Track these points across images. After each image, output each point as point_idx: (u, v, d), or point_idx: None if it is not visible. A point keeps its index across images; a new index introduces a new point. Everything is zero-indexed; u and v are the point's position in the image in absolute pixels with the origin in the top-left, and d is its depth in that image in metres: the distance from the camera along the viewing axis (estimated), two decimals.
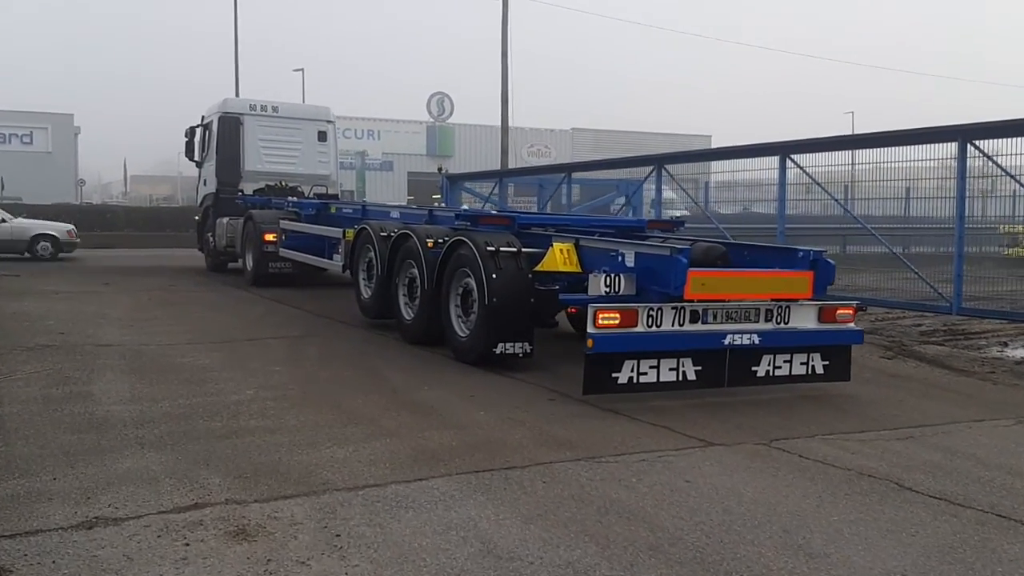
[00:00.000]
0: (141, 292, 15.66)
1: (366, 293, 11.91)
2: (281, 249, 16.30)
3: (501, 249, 8.77)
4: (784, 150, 13.58)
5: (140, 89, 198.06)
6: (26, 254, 23.81)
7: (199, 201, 21.34)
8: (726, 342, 7.50)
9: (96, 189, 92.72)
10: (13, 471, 5.32)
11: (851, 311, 8.09)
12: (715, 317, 7.55)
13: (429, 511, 4.76)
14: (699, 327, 7.47)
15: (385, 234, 11.18)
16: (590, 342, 7.02)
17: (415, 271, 10.30)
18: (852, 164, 14.71)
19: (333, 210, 15.46)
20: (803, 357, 7.92)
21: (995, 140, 11.42)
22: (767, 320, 7.74)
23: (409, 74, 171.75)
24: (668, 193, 21.04)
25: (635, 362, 7.24)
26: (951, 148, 13.89)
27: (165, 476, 5.28)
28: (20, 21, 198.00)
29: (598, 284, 7.64)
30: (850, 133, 13.08)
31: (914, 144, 12.19)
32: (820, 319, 7.95)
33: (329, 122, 20.69)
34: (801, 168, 13.62)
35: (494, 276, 8.66)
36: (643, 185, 19.94)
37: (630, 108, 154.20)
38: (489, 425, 6.64)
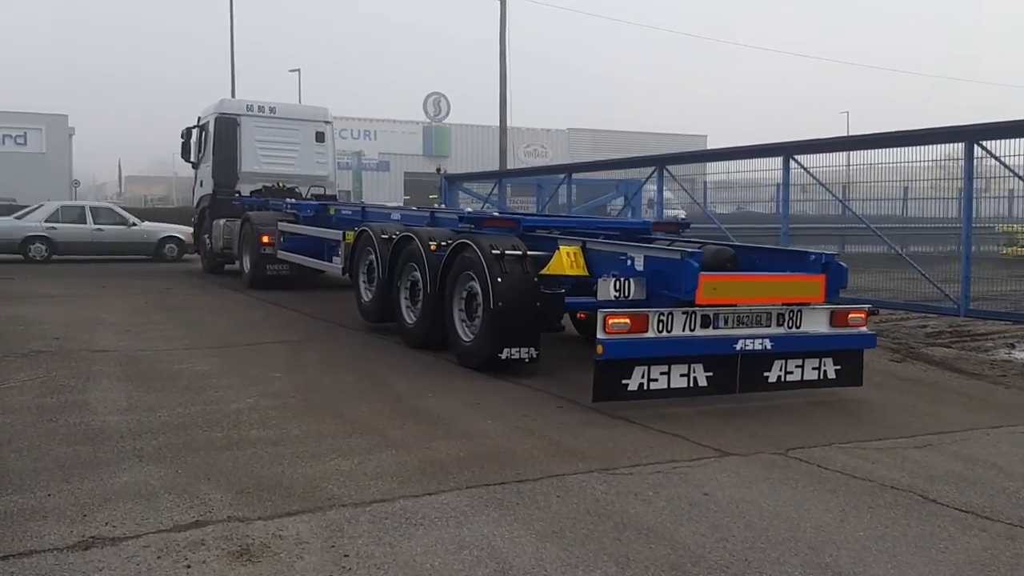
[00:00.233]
0: (137, 295, 15.48)
1: (366, 296, 11.73)
2: (279, 251, 16.12)
3: (506, 252, 8.60)
4: (788, 151, 13.41)
5: (135, 90, 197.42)
6: (148, 256, 24.38)
7: (195, 203, 21.15)
8: (738, 347, 7.32)
9: (91, 190, 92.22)
10: (6, 486, 5.13)
11: (863, 315, 7.92)
12: (726, 322, 7.37)
13: (440, 528, 4.58)
14: (710, 332, 7.30)
15: (386, 236, 11.00)
16: (600, 348, 6.85)
17: (417, 274, 10.13)
18: (848, 165, 14.59)
19: (332, 212, 15.28)
20: (815, 362, 7.75)
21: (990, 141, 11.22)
22: (779, 324, 7.57)
23: (405, 75, 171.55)
24: (665, 193, 20.90)
25: (645, 368, 7.07)
26: (947, 149, 13.83)
27: (164, 491, 5.09)
28: (14, 21, 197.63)
29: (607, 288, 7.47)
30: (856, 134, 12.86)
31: (920, 145, 12.05)
32: (832, 323, 7.78)
33: (327, 123, 20.52)
34: (805, 169, 13.46)
35: (499, 280, 8.48)
36: (641, 185, 19.85)
37: (626, 108, 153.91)
38: (497, 434, 6.46)
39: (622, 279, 7.51)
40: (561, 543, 4.40)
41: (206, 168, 19.92)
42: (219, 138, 19.20)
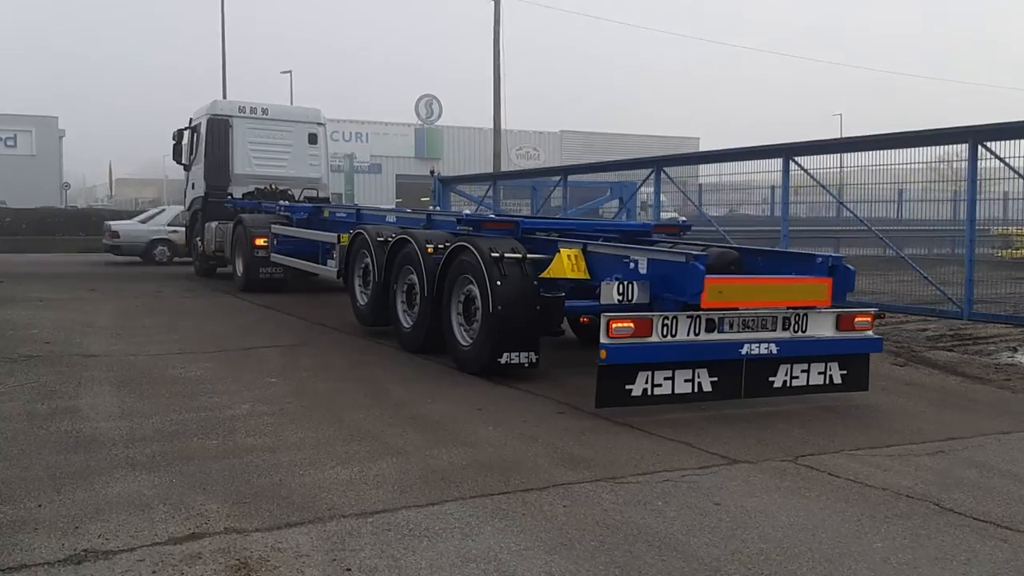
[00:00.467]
0: (129, 298, 15.27)
1: (362, 300, 11.58)
2: (272, 254, 15.94)
3: (506, 255, 8.45)
4: (788, 152, 13.30)
5: (125, 92, 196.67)
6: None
7: (187, 205, 20.96)
8: (743, 352, 7.18)
9: (81, 192, 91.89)
10: None
11: (870, 318, 7.79)
12: (731, 326, 7.24)
13: (445, 541, 4.43)
14: (715, 336, 7.16)
15: (382, 239, 10.85)
16: (603, 353, 6.70)
17: (414, 277, 9.97)
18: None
19: (326, 214, 15.13)
20: (820, 366, 7.62)
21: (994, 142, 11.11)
22: (784, 328, 7.43)
23: (397, 77, 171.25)
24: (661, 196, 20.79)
25: (649, 373, 6.93)
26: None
27: (159, 502, 4.93)
28: (4, 22, 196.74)
29: (611, 292, 7.32)
30: (857, 135, 12.72)
31: (923, 146, 11.97)
32: (838, 327, 7.65)
33: (320, 124, 20.35)
34: (805, 170, 13.36)
35: (498, 283, 8.33)
36: (638, 187, 19.72)
37: (617, 111, 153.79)
38: (500, 442, 6.31)
39: (625, 282, 7.36)
40: (571, 556, 4.26)
41: (198, 170, 19.73)
42: (211, 140, 19.01)
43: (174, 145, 20.81)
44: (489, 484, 5.32)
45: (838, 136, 14.09)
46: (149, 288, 17.17)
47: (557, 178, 20.77)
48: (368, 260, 11.25)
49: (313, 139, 20.08)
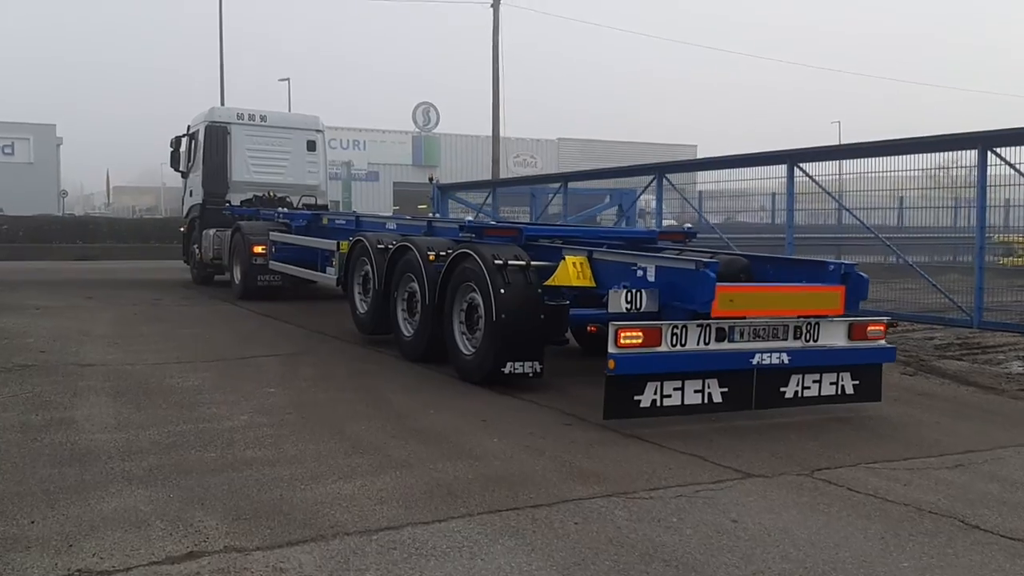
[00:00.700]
0: (126, 307, 15.08)
1: (362, 308, 11.41)
2: (271, 262, 15.77)
3: (509, 262, 8.28)
4: (792, 158, 13.15)
5: (123, 99, 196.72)
6: None
7: (185, 212, 20.75)
8: (754, 362, 7.02)
9: (78, 200, 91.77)
10: None
11: (882, 327, 7.63)
12: (742, 335, 7.07)
13: (453, 560, 4.25)
14: (725, 346, 7.00)
15: (382, 246, 10.68)
16: (611, 363, 6.53)
17: (415, 285, 9.80)
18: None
19: (325, 221, 14.97)
20: (833, 377, 7.46)
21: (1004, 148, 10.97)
22: (796, 338, 7.27)
23: (395, 84, 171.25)
24: (655, 203, 20.64)
25: (658, 384, 6.76)
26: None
27: (156, 518, 4.75)
28: (1, 30, 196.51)
29: (618, 300, 7.14)
30: (864, 141, 12.58)
31: (932, 152, 11.83)
32: (850, 336, 7.48)
33: (318, 131, 20.17)
34: (811, 177, 13.21)
35: (502, 291, 8.16)
36: (639, 194, 19.57)
37: (615, 119, 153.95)
38: (506, 455, 6.13)
39: (633, 290, 7.19)
40: None
41: (196, 177, 19.53)
42: (209, 147, 18.83)
43: (172, 152, 20.61)
44: (497, 500, 5.15)
45: (837, 143, 13.93)
46: (147, 296, 16.99)
47: (557, 185, 20.63)
48: (368, 267, 11.08)
49: (312, 146, 19.91)
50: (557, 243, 9.38)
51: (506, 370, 8.23)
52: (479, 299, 8.51)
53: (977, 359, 11.14)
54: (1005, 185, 11.75)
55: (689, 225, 12.12)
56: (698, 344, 6.88)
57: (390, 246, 10.46)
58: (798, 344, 7.25)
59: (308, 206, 18.77)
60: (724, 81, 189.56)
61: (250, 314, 14.40)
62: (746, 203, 19.24)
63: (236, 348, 10.82)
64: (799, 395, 7.33)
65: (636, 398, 6.70)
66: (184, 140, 20.17)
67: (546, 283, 8.25)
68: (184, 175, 20.43)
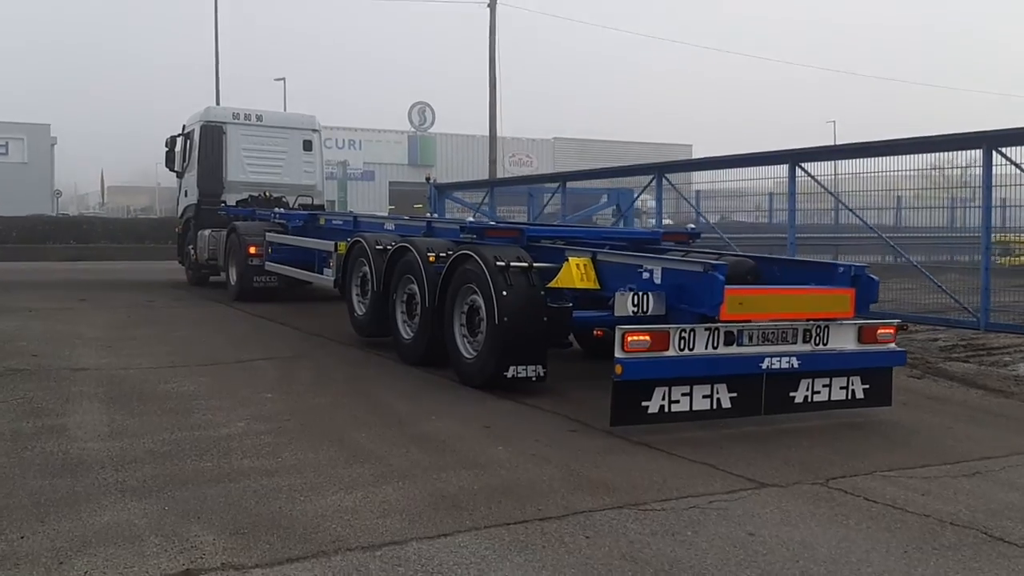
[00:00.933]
0: (120, 309, 14.89)
1: (359, 310, 11.23)
2: (267, 263, 15.58)
3: (512, 264, 8.11)
4: (794, 158, 12.99)
5: (118, 99, 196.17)
6: None
7: (180, 213, 20.55)
8: (764, 366, 6.85)
9: (73, 200, 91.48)
10: None
11: (892, 330, 7.47)
12: (751, 339, 6.90)
13: None
14: (734, 350, 6.83)
15: (381, 247, 10.51)
16: (619, 368, 6.36)
17: (414, 287, 9.63)
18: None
19: (322, 222, 14.78)
20: (843, 381, 7.30)
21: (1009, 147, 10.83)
22: (805, 341, 7.11)
23: (390, 84, 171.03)
24: (651, 202, 20.48)
25: (666, 389, 6.58)
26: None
27: (150, 533, 4.57)
28: None
29: (625, 303, 6.97)
30: (867, 140, 12.44)
31: (936, 151, 11.72)
32: (860, 339, 7.33)
33: (315, 131, 19.98)
34: (812, 177, 13.07)
35: (504, 293, 7.99)
36: (636, 194, 19.42)
37: (610, 118, 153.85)
38: (511, 463, 5.96)
39: (640, 293, 7.02)
40: None
41: (191, 177, 19.33)
42: (204, 146, 18.63)
43: (167, 152, 20.40)
44: (503, 512, 4.97)
45: (832, 143, 13.86)
46: (141, 297, 16.80)
47: (555, 185, 20.46)
48: (366, 269, 10.90)
49: (308, 146, 19.72)
50: (559, 244, 9.20)
51: (508, 374, 8.06)
52: (480, 301, 8.34)
53: (983, 361, 10.99)
54: (1004, 185, 11.65)
55: (692, 226, 11.96)
56: (706, 348, 6.71)
57: (389, 247, 10.28)
58: (807, 348, 7.09)
59: (304, 206, 18.58)
60: (719, 80, 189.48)
61: (246, 316, 14.22)
62: (741, 203, 19.10)
63: (232, 351, 10.64)
64: (809, 400, 7.17)
65: (644, 404, 6.52)
66: (179, 140, 19.97)
67: (549, 285, 8.08)
68: (179, 175, 20.24)
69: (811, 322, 7.11)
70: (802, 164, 12.99)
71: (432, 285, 9.14)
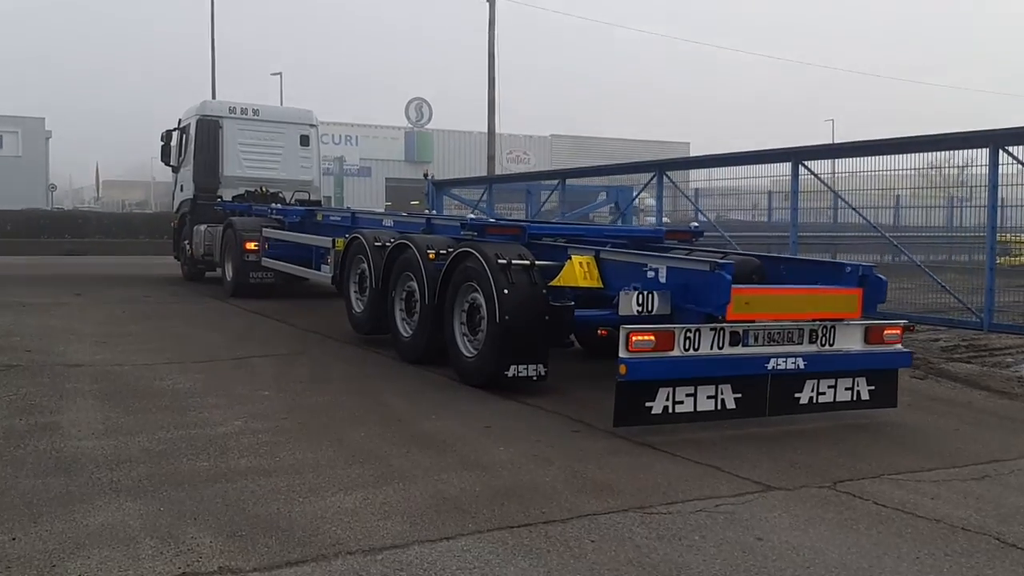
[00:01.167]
0: (115, 304, 14.76)
1: (358, 307, 11.12)
2: (263, 259, 15.45)
3: (513, 262, 8.00)
4: (797, 156, 12.89)
5: (113, 93, 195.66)
6: None
7: (175, 207, 20.43)
8: (769, 366, 6.75)
9: (67, 194, 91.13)
10: None
11: (899, 331, 7.38)
12: (756, 339, 6.81)
13: None
14: (740, 350, 6.73)
15: (380, 244, 10.40)
16: (623, 368, 6.25)
17: (414, 284, 9.52)
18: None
19: (319, 218, 14.66)
20: (848, 382, 7.20)
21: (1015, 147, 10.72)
22: (811, 342, 7.01)
23: (387, 80, 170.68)
24: (649, 200, 20.38)
25: (671, 390, 6.48)
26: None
27: (145, 534, 4.46)
28: None
29: (630, 302, 6.87)
30: (872, 138, 12.32)
31: (942, 150, 11.64)
32: (866, 340, 7.23)
33: (312, 126, 19.84)
34: (815, 175, 12.97)
35: (506, 291, 7.89)
36: (635, 191, 19.32)
37: (606, 115, 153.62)
38: (513, 464, 5.85)
39: (645, 292, 6.92)
40: None
41: (187, 172, 19.20)
42: (200, 141, 18.50)
43: (162, 146, 20.28)
44: (507, 515, 4.87)
45: (842, 141, 13.77)
46: (136, 293, 16.66)
47: (554, 182, 20.34)
48: (365, 265, 10.79)
49: (305, 141, 19.58)
50: (561, 242, 9.09)
51: (509, 373, 7.95)
52: (481, 299, 8.23)
53: (986, 362, 10.91)
54: (1003, 185, 11.56)
55: (695, 224, 11.86)
56: (712, 348, 6.62)
57: (388, 244, 10.17)
58: (814, 348, 6.99)
59: (301, 202, 18.45)
60: (716, 79, 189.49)
61: (242, 312, 14.11)
62: (738, 201, 19.00)
63: (228, 348, 10.53)
64: (814, 401, 7.08)
65: (647, 404, 6.42)
66: (175, 134, 19.84)
67: (551, 283, 7.98)
68: (175, 169, 20.11)
69: (818, 322, 7.02)
70: (805, 162, 12.87)
71: (432, 282, 9.04)
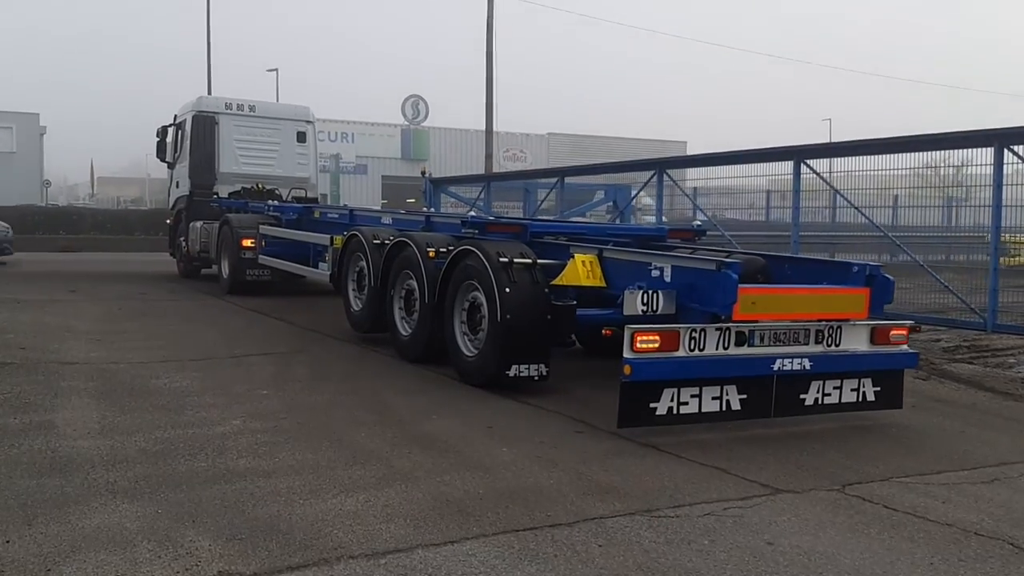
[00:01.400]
0: (110, 301, 14.63)
1: (356, 305, 11.01)
2: (260, 256, 15.32)
3: (515, 260, 7.91)
4: (799, 155, 12.80)
5: (108, 89, 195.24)
6: None
7: (171, 204, 20.29)
8: (775, 367, 6.67)
9: (62, 190, 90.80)
10: None
11: (905, 331, 7.30)
12: (762, 339, 6.72)
13: None
14: (745, 351, 6.64)
15: (378, 242, 10.30)
16: (627, 368, 6.16)
17: (413, 283, 9.42)
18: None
19: (317, 215, 14.54)
20: (854, 383, 7.12)
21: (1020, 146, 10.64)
22: (817, 342, 6.93)
23: (383, 77, 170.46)
24: (646, 199, 20.28)
25: (675, 390, 6.39)
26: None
27: (143, 537, 4.36)
28: None
29: (635, 302, 6.78)
30: (874, 137, 12.21)
31: (945, 149, 11.52)
32: (872, 341, 7.15)
33: (308, 122, 19.70)
34: (818, 174, 12.88)
35: (507, 290, 7.79)
36: (634, 190, 19.20)
37: (604, 114, 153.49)
38: (517, 466, 5.76)
39: (650, 292, 6.82)
40: None
41: (182, 168, 19.06)
42: (196, 137, 18.37)
43: (158, 142, 20.13)
44: (512, 518, 4.78)
45: (843, 140, 13.68)
46: (132, 289, 16.53)
47: (553, 180, 20.23)
48: (363, 263, 10.69)
49: (302, 137, 19.46)
50: (563, 240, 9.00)
51: (511, 373, 7.86)
52: (482, 298, 8.14)
53: (988, 362, 10.86)
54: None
55: (698, 222, 11.77)
56: (717, 349, 6.53)
57: (387, 241, 10.07)
58: (820, 349, 6.91)
59: (298, 199, 18.34)
60: (715, 77, 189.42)
61: (239, 310, 13.99)
62: (735, 200, 18.90)
63: (226, 346, 10.41)
64: (819, 402, 6.99)
65: (652, 405, 6.33)
66: (171, 130, 19.70)
67: (553, 282, 7.89)
68: (171, 166, 19.97)
69: (824, 322, 6.93)
70: (807, 161, 12.79)
71: (432, 281, 8.94)
